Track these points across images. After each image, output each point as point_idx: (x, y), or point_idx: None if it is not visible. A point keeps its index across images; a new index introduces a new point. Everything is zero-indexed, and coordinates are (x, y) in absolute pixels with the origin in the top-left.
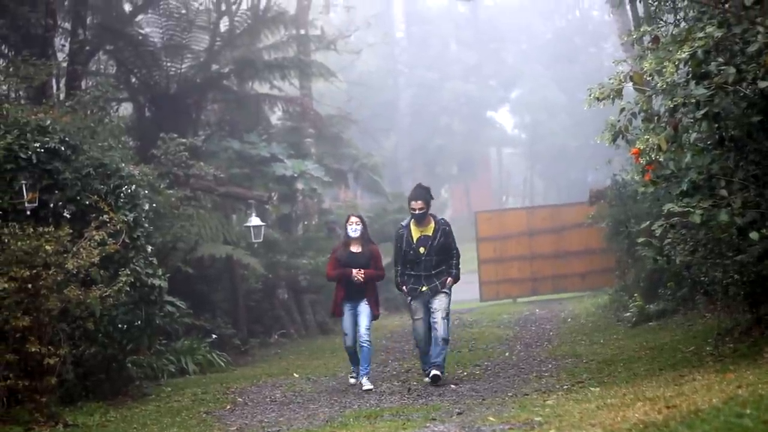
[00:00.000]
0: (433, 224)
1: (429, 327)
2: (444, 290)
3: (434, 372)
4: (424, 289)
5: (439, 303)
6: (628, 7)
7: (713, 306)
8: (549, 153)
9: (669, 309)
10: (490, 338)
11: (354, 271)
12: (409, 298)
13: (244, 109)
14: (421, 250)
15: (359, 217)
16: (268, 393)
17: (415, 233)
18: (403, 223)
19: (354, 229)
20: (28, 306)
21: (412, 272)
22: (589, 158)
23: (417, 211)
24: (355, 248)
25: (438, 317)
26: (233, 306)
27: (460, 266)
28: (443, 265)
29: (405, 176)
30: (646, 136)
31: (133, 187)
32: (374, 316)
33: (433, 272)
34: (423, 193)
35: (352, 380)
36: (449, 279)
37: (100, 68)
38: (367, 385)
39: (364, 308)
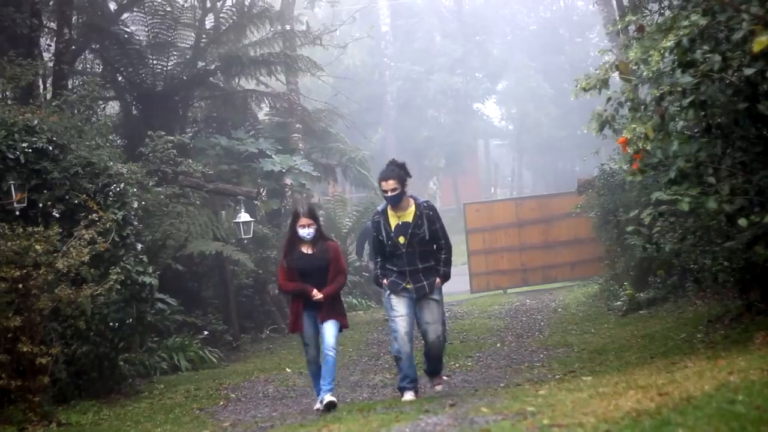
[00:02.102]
0: (413, 208)
1: (411, 326)
2: (434, 296)
3: (438, 384)
4: (408, 286)
5: (431, 315)
6: None
7: (703, 293)
8: (536, 144)
9: (659, 297)
10: (482, 329)
11: (314, 291)
12: (388, 292)
13: (231, 106)
14: (401, 240)
15: (311, 215)
16: (261, 388)
17: (393, 220)
18: (379, 209)
19: (307, 233)
20: (19, 306)
21: (394, 268)
22: (577, 148)
23: (389, 193)
24: (307, 249)
25: (434, 335)
26: (224, 302)
27: (451, 261)
28: (431, 259)
29: None
30: (632, 125)
31: (122, 185)
32: (342, 327)
33: (420, 267)
34: (395, 170)
35: (320, 404)
36: (438, 280)
37: (86, 67)
38: (329, 397)
39: (326, 316)
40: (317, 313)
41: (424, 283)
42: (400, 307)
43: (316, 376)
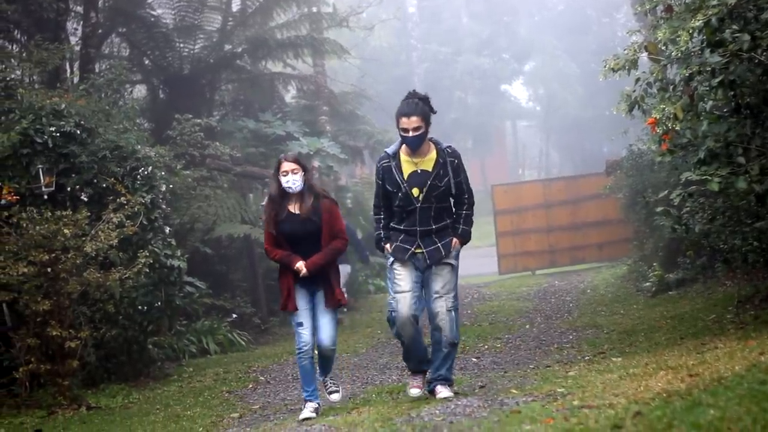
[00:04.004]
0: (434, 154)
1: (419, 308)
2: (449, 260)
3: (443, 391)
4: (418, 251)
5: (443, 284)
6: None
7: (733, 274)
8: (564, 124)
9: (688, 278)
10: (510, 311)
11: (298, 264)
12: (392, 259)
13: (258, 89)
14: (415, 192)
15: (296, 161)
16: (290, 371)
17: (407, 167)
18: (389, 151)
19: (292, 181)
20: (48, 290)
21: (402, 226)
22: (605, 129)
23: (411, 133)
24: (294, 207)
25: (442, 308)
26: (252, 285)
27: (472, 219)
28: (447, 218)
29: None
30: (662, 106)
31: (150, 168)
32: (339, 306)
33: (433, 227)
34: (420, 105)
35: (309, 412)
36: (455, 240)
37: (113, 51)
38: (332, 387)
39: (323, 306)
40: (315, 288)
41: (439, 245)
42: (403, 280)
43: (309, 373)
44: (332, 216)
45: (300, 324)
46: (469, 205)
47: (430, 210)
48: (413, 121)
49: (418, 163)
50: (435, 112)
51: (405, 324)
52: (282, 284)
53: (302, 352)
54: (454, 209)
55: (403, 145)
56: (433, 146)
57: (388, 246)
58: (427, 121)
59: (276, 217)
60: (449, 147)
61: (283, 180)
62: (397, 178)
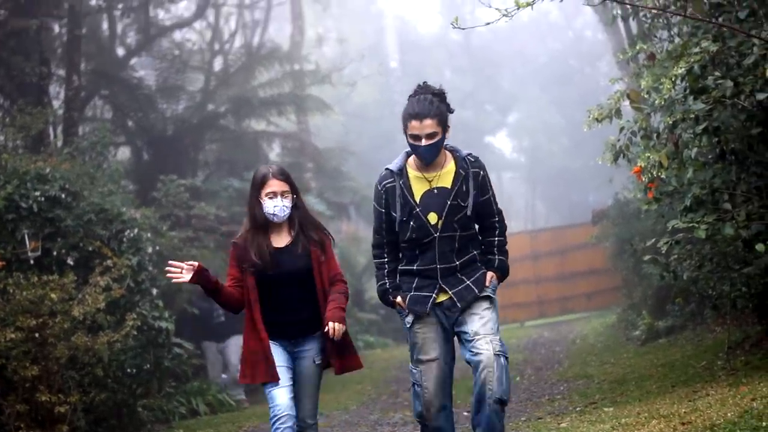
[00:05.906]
0: (452, 165)
1: (448, 375)
2: (486, 293)
3: None
4: (441, 299)
5: (483, 322)
6: (621, 25)
7: (722, 320)
8: (549, 175)
9: (678, 325)
10: None
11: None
12: (409, 316)
13: (242, 147)
14: (432, 218)
15: (287, 179)
16: None
17: (418, 186)
18: (393, 167)
19: (281, 208)
20: (36, 355)
21: (414, 266)
22: (590, 178)
23: (424, 142)
24: (278, 239)
25: (488, 351)
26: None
27: (507, 248)
28: (473, 249)
29: None
30: (646, 154)
31: (136, 230)
32: (353, 367)
33: (456, 263)
34: (435, 104)
35: None
36: (490, 274)
37: (96, 114)
38: None
39: (308, 368)
40: (294, 346)
41: (468, 282)
42: (429, 343)
43: None
44: (327, 253)
45: (276, 405)
46: (501, 231)
47: (453, 241)
48: (426, 126)
49: (432, 179)
50: (452, 112)
51: (432, 404)
52: (247, 342)
53: (279, 419)
54: (480, 237)
55: (410, 158)
56: (450, 155)
57: (399, 299)
58: (444, 126)
59: (252, 245)
60: (470, 155)
61: (268, 204)
62: (408, 202)
